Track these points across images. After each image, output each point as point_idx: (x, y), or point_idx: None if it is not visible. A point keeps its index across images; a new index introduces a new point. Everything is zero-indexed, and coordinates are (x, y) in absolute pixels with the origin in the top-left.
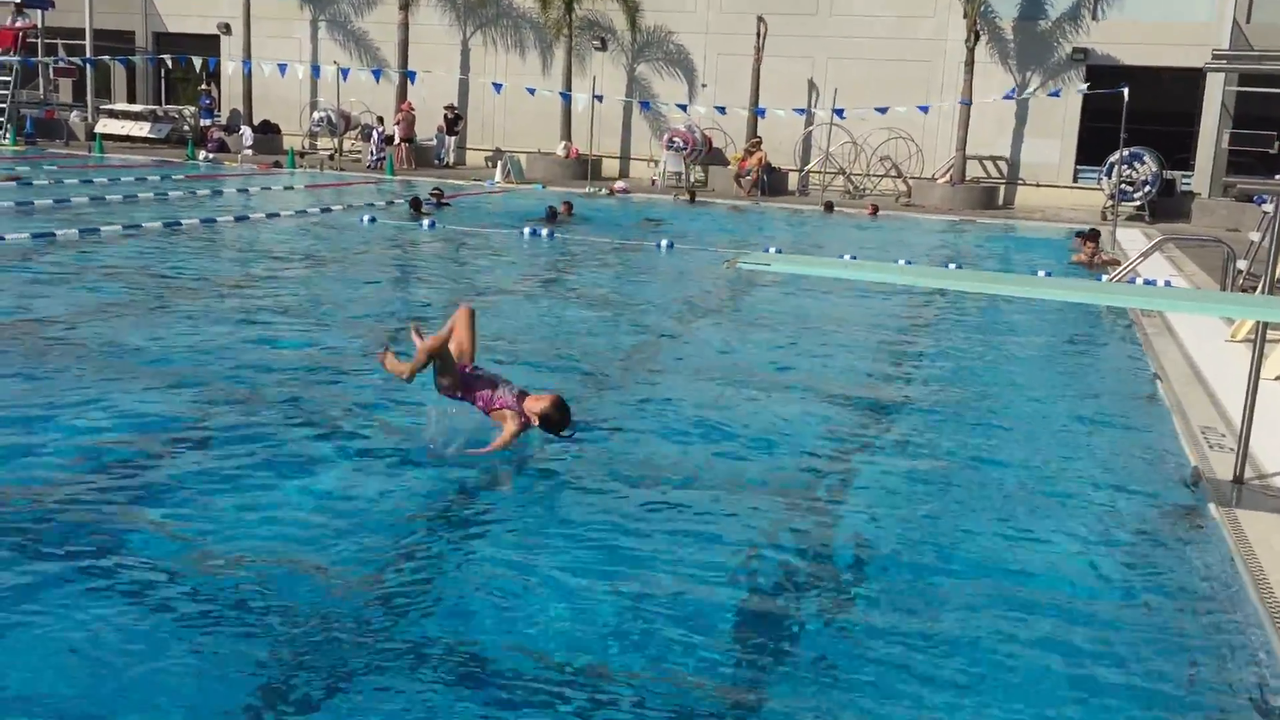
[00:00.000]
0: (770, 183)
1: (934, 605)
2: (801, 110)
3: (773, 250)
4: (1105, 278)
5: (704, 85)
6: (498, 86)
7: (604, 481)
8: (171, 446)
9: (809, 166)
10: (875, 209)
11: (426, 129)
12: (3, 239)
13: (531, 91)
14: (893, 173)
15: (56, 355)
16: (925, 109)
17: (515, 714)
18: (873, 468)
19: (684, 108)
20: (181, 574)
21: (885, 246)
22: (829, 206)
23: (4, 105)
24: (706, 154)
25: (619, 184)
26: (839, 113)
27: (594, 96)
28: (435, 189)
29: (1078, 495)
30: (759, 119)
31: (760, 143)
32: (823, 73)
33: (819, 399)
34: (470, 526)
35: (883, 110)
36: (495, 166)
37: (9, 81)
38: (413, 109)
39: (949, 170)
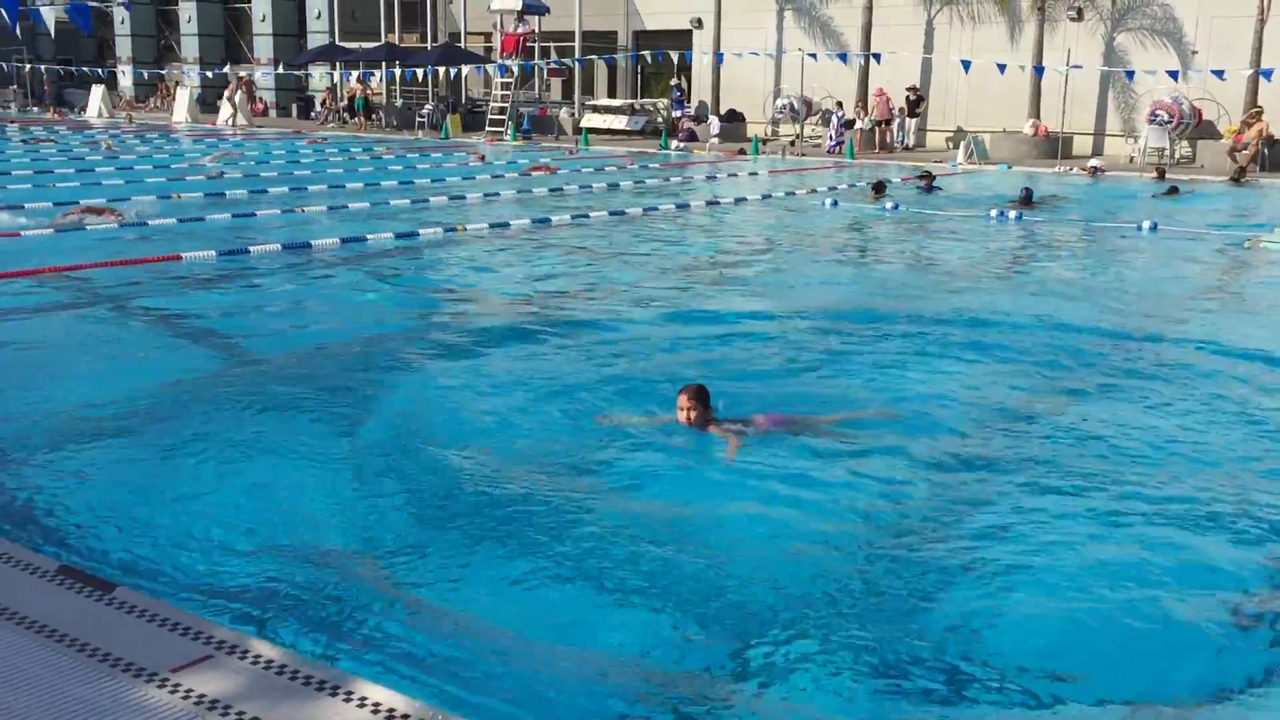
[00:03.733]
0: (1271, 156)
1: None
2: None
3: (1276, 231)
4: None
5: (1194, 51)
6: (966, 64)
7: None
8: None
9: None
10: None
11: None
12: (509, 224)
13: (1002, 68)
14: None
15: (557, 328)
16: None
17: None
18: None
19: (1174, 75)
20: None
21: None
22: None
23: (507, 105)
24: (1195, 127)
25: (1094, 162)
26: None
27: (1070, 66)
28: (925, 172)
29: None
30: (1262, 83)
31: (1261, 112)
32: None
33: None
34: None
35: None
36: (958, 148)
37: (511, 83)
38: (885, 94)
39: None
